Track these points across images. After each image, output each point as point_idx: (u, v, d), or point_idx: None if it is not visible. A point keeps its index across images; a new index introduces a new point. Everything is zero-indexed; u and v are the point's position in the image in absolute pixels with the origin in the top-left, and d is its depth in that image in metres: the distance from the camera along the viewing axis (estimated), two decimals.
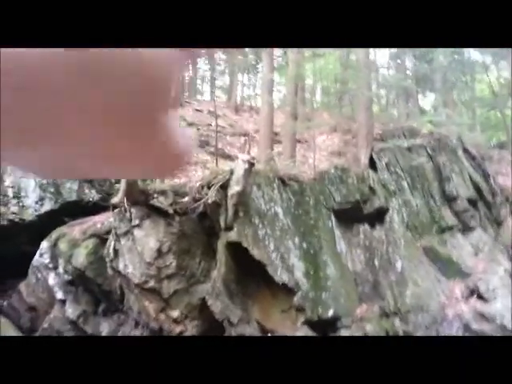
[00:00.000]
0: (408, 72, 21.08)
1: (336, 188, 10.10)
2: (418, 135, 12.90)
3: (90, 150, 0.22)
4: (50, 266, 8.97)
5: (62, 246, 9.01)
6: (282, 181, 9.73)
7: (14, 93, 0.19)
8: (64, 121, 0.20)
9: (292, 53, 13.74)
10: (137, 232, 8.53)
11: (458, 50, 19.55)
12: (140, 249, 8.41)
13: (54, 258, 8.97)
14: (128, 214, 8.57)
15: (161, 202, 8.72)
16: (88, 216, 9.53)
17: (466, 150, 12.82)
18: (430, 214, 10.91)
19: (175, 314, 8.13)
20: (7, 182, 9.88)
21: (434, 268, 9.59)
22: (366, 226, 9.98)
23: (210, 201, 8.58)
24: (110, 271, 8.55)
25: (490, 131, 20.79)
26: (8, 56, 0.19)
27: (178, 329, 8.10)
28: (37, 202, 10.10)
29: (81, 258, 8.81)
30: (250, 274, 8.36)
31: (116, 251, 8.54)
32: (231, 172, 8.94)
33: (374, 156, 11.67)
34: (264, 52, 14.61)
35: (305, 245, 8.97)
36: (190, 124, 14.59)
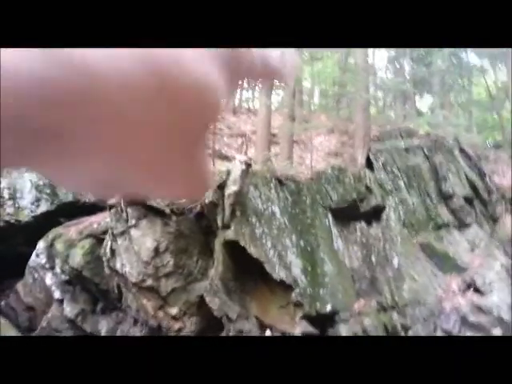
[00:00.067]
0: (406, 75, 21.17)
1: (333, 187, 10.14)
2: (414, 136, 12.95)
3: (134, 169, 0.22)
4: (47, 266, 8.97)
5: (59, 246, 9.01)
6: (279, 181, 9.76)
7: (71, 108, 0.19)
8: (113, 138, 0.21)
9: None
10: (133, 232, 8.54)
11: (455, 53, 19.66)
12: (137, 248, 8.42)
13: (51, 258, 8.97)
14: (124, 214, 8.59)
15: (157, 202, 8.75)
16: (84, 216, 9.55)
17: (462, 150, 12.87)
18: (426, 211, 10.95)
19: (174, 311, 8.14)
20: (3, 183, 9.88)
21: (431, 263, 9.62)
22: (363, 224, 10.02)
23: (207, 201, 8.61)
24: (107, 270, 8.56)
25: (486, 132, 20.87)
26: (75, 76, 0.19)
27: (176, 325, 8.11)
28: (33, 203, 10.11)
29: (77, 257, 8.81)
30: (247, 272, 8.37)
31: (113, 251, 8.55)
32: (228, 172, 8.98)
33: (371, 156, 11.72)
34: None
35: (302, 243, 9.00)
36: None
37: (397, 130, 13.36)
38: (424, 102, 24.56)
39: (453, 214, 11.00)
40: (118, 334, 8.48)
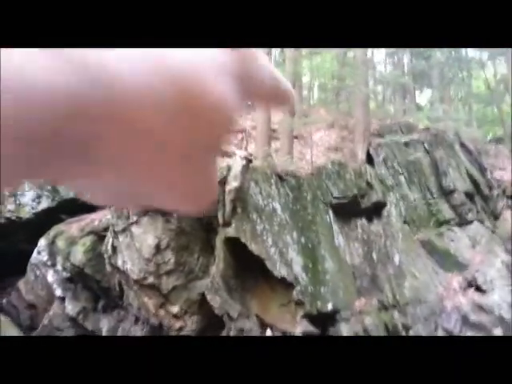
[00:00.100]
0: (405, 69, 21.11)
1: (333, 183, 10.12)
2: (415, 131, 12.94)
3: (153, 183, 0.23)
4: (49, 263, 8.97)
5: (60, 243, 9.01)
6: (280, 177, 9.74)
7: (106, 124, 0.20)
8: (137, 152, 0.21)
9: (289, 50, 13.76)
10: (135, 229, 8.54)
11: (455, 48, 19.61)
12: (138, 245, 8.42)
13: (52, 255, 8.97)
14: (126, 211, 8.58)
15: None
16: (85, 213, 9.53)
17: (462, 145, 12.86)
18: (427, 207, 10.95)
19: (175, 309, 8.15)
20: None
21: (432, 261, 9.63)
22: (364, 221, 10.02)
23: None
24: (108, 268, 8.56)
25: (486, 126, 20.85)
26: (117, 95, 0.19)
27: (177, 324, 8.13)
28: (34, 200, 10.09)
29: (79, 255, 8.81)
30: (248, 269, 8.38)
31: (114, 248, 8.55)
32: (229, 168, 8.95)
33: (372, 151, 11.70)
34: (261, 50, 14.62)
35: (303, 239, 9.00)
36: None
37: (397, 124, 13.35)
38: (423, 96, 24.52)
39: (454, 210, 11.00)
40: (119, 332, 8.50)
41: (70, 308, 8.64)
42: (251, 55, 0.26)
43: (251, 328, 7.85)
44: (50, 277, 8.88)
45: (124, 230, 8.57)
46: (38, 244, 9.03)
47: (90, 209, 9.62)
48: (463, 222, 10.83)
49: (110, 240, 8.59)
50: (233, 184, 8.70)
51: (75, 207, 9.83)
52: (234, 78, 0.24)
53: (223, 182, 8.73)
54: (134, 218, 8.52)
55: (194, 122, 0.22)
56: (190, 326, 8.15)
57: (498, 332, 7.87)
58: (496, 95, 18.95)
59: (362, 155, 11.77)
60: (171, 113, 0.21)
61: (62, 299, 8.76)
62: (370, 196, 10.31)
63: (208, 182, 0.25)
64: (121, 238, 8.52)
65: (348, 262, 9.34)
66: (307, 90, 19.09)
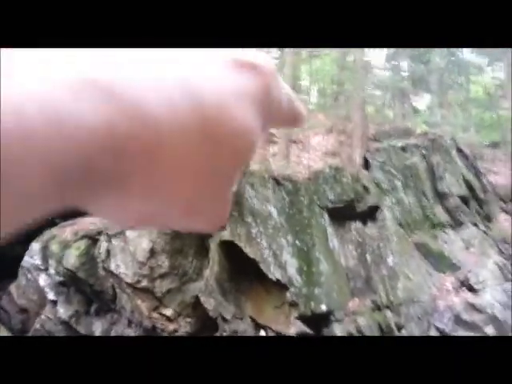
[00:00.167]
0: (404, 73, 21.17)
1: (330, 187, 10.12)
2: (412, 135, 12.96)
3: (174, 206, 0.23)
4: (41, 267, 8.92)
5: (54, 247, 8.97)
6: (277, 181, 9.74)
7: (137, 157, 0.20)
8: (163, 178, 0.21)
9: (288, 54, 13.79)
10: (129, 232, 8.52)
11: (453, 51, 19.68)
12: (132, 249, 8.40)
13: (45, 259, 8.92)
14: None
15: None
16: (79, 217, 9.48)
17: (459, 150, 12.88)
18: (422, 211, 10.99)
19: (168, 312, 8.12)
20: None
21: (426, 262, 9.68)
22: (359, 224, 10.02)
23: None
24: (101, 272, 8.52)
25: (484, 131, 20.89)
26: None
27: (171, 327, 8.09)
28: None
29: (72, 259, 8.76)
30: (242, 272, 8.36)
31: (108, 252, 8.52)
32: None
33: (368, 156, 11.71)
34: (261, 50, 14.68)
35: (298, 242, 8.99)
36: None
37: (394, 129, 13.39)
38: (422, 101, 24.58)
39: (448, 214, 11.05)
40: (112, 335, 8.45)
41: (63, 311, 8.59)
42: (271, 79, 0.25)
43: (245, 330, 7.83)
44: (42, 281, 8.82)
45: (118, 234, 8.54)
46: (30, 248, 8.99)
47: (84, 213, 9.58)
48: (457, 225, 10.87)
49: (104, 244, 8.56)
50: None
51: (69, 211, 9.80)
52: (255, 103, 0.24)
53: None
54: None
55: (217, 149, 0.22)
56: (183, 328, 8.11)
57: (489, 330, 7.92)
58: (494, 100, 19.00)
59: (359, 159, 11.77)
60: (195, 141, 0.21)
61: (54, 303, 8.71)
62: (365, 200, 10.31)
63: (226, 203, 0.26)
64: (114, 241, 8.49)
65: (342, 264, 9.33)
66: (306, 94, 19.13)
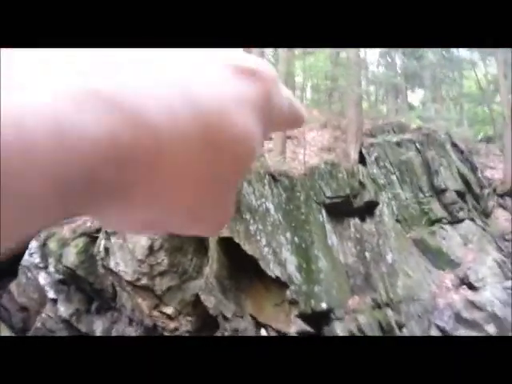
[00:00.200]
0: (397, 69, 21.23)
1: (326, 183, 10.16)
2: (406, 130, 13.03)
3: (176, 213, 0.23)
4: (41, 265, 8.90)
5: (52, 245, 8.94)
6: (273, 177, 9.75)
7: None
8: (166, 187, 0.21)
9: (282, 51, 13.78)
10: None
11: (447, 48, 19.75)
12: (131, 247, 8.38)
13: (44, 257, 8.90)
14: None
15: None
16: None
17: (454, 145, 12.97)
18: (419, 206, 11.04)
19: (169, 310, 8.13)
20: None
21: (425, 259, 9.72)
22: (357, 220, 10.07)
23: None
24: (101, 270, 8.52)
25: (477, 126, 21.02)
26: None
27: (172, 325, 8.11)
28: None
29: (71, 257, 8.75)
30: (242, 270, 8.38)
31: (107, 249, 8.51)
32: None
33: (364, 151, 11.76)
34: (254, 50, 14.62)
35: (296, 239, 9.02)
36: None
37: (389, 124, 13.43)
38: (415, 96, 24.66)
39: (445, 209, 11.11)
40: (113, 333, 8.46)
41: (63, 310, 8.58)
42: (272, 85, 0.26)
43: (246, 328, 7.86)
44: (42, 279, 8.81)
45: (116, 232, 8.53)
46: (29, 246, 8.96)
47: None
48: (455, 221, 10.93)
49: (103, 241, 8.54)
50: None
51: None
52: (255, 109, 0.24)
53: None
54: None
55: (218, 156, 0.22)
56: (184, 326, 8.13)
57: (490, 328, 7.96)
58: (487, 95, 19.13)
59: (354, 155, 11.82)
60: (196, 148, 0.21)
61: (55, 301, 8.70)
62: (362, 195, 10.36)
63: (228, 209, 0.26)
64: (113, 239, 8.47)
65: (341, 261, 9.38)
66: (300, 90, 19.12)
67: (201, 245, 8.72)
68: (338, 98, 17.15)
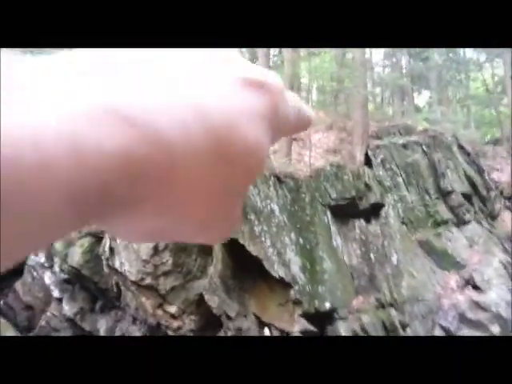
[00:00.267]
0: (403, 70, 21.17)
1: (331, 185, 10.14)
2: (413, 132, 12.98)
3: (186, 223, 0.24)
4: (46, 265, 8.95)
5: (57, 245, 8.99)
6: (278, 178, 9.75)
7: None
8: (176, 198, 0.22)
9: (287, 52, 13.79)
10: None
11: (453, 48, 19.65)
12: (136, 247, 8.41)
13: (50, 257, 8.95)
14: None
15: None
16: None
17: (460, 147, 12.90)
18: (425, 208, 10.99)
19: (173, 309, 8.15)
20: None
21: (430, 260, 9.68)
22: (362, 222, 10.05)
23: None
24: (106, 269, 8.55)
25: (484, 128, 20.90)
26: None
27: (175, 324, 8.13)
28: None
29: (76, 256, 8.79)
30: (246, 270, 8.39)
31: (112, 249, 8.54)
32: None
33: (370, 153, 11.73)
34: (260, 51, 14.63)
35: (301, 240, 9.01)
36: None
37: (395, 126, 13.39)
38: (422, 98, 24.57)
39: (451, 211, 11.05)
40: (117, 332, 8.49)
41: (68, 309, 8.62)
42: (279, 96, 0.26)
43: (249, 327, 7.86)
44: (47, 278, 8.86)
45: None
46: None
47: None
48: (461, 223, 10.88)
49: (108, 241, 8.58)
50: None
51: None
52: (264, 121, 0.24)
53: None
54: None
55: (230, 169, 0.23)
56: (187, 325, 8.14)
57: (495, 329, 7.92)
58: (494, 97, 19.02)
59: (360, 157, 11.79)
60: (208, 162, 0.21)
61: (60, 300, 8.74)
62: (368, 197, 10.34)
63: (236, 218, 0.26)
64: (118, 239, 8.50)
65: (346, 263, 9.36)
66: (306, 92, 19.12)
67: (205, 245, 8.73)
68: (344, 100, 17.13)
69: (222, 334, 7.99)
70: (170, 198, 0.21)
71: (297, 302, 8.21)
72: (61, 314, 8.63)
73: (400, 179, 11.29)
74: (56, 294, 8.78)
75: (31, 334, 8.58)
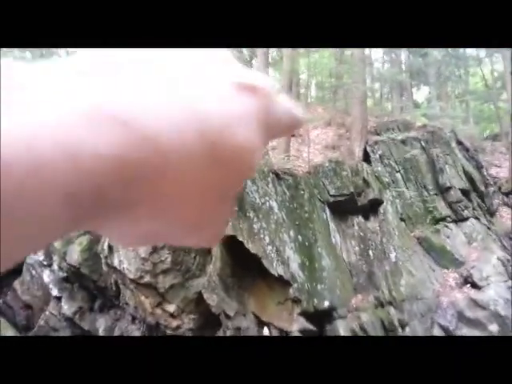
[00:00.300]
0: (402, 66, 21.11)
1: (330, 181, 10.13)
2: (412, 128, 12.96)
3: (177, 225, 0.24)
4: (45, 263, 8.95)
5: (56, 243, 8.97)
6: (277, 175, 9.74)
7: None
8: (170, 201, 0.22)
9: (286, 48, 13.74)
10: None
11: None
12: None
13: (48, 255, 8.95)
14: None
15: None
16: None
17: (459, 142, 12.89)
18: (423, 204, 10.98)
19: (172, 308, 8.15)
20: None
21: (428, 258, 9.68)
22: (361, 218, 10.04)
23: None
24: (104, 267, 8.54)
25: (483, 123, 20.88)
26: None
27: (174, 323, 8.12)
28: None
29: (75, 254, 8.78)
30: (245, 268, 8.38)
31: (110, 247, 8.53)
32: None
33: (368, 149, 11.72)
34: (259, 49, 14.59)
35: (300, 237, 9.00)
36: None
37: (394, 122, 13.37)
38: (421, 94, 24.53)
39: (450, 207, 11.05)
40: (116, 331, 8.50)
41: (67, 308, 8.62)
42: (270, 99, 0.26)
43: (248, 326, 7.86)
44: (46, 277, 8.85)
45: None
46: None
47: None
48: (459, 219, 10.87)
49: (107, 240, 8.57)
50: None
51: None
52: (257, 124, 0.24)
53: None
54: None
55: (224, 172, 0.23)
56: (186, 324, 8.14)
57: (493, 328, 7.93)
58: (493, 92, 18.98)
59: (358, 153, 11.77)
60: (203, 166, 0.21)
61: (59, 299, 8.74)
62: (366, 193, 10.33)
63: (224, 221, 0.27)
64: None
65: (345, 260, 9.36)
66: (304, 87, 19.07)
67: None
68: (343, 96, 17.09)
69: (220, 333, 7.99)
70: (163, 201, 0.21)
71: (296, 301, 8.20)
72: (60, 313, 8.63)
73: (398, 175, 11.28)
74: (55, 292, 8.78)
75: (30, 334, 8.59)
